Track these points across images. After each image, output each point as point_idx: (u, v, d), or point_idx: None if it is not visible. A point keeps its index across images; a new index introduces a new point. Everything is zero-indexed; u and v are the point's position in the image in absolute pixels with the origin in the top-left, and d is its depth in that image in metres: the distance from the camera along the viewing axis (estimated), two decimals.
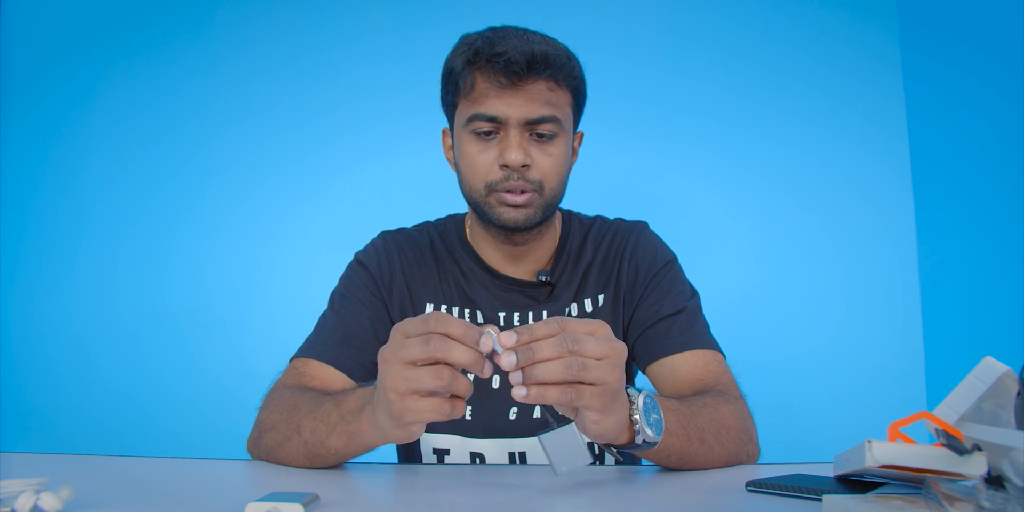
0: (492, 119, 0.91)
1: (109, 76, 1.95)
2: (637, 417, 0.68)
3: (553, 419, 0.65)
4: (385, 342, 1.00)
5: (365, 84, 1.90)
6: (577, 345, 0.60)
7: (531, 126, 0.92)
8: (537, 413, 0.98)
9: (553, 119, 0.92)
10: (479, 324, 0.63)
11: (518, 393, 0.60)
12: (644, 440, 0.68)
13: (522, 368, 0.60)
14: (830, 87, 1.81)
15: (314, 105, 1.91)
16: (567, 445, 0.64)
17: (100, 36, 1.96)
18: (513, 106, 0.90)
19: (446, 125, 1.03)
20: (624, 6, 1.86)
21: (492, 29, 0.94)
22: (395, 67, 1.88)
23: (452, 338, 0.60)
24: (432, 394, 0.61)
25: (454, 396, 0.63)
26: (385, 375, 0.63)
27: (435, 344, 0.59)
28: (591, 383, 0.61)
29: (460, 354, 0.59)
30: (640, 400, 0.68)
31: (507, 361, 0.60)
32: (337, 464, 0.80)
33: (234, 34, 1.94)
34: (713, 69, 1.83)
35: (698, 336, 0.96)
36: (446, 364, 0.60)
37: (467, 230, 1.07)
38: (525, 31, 0.94)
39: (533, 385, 0.60)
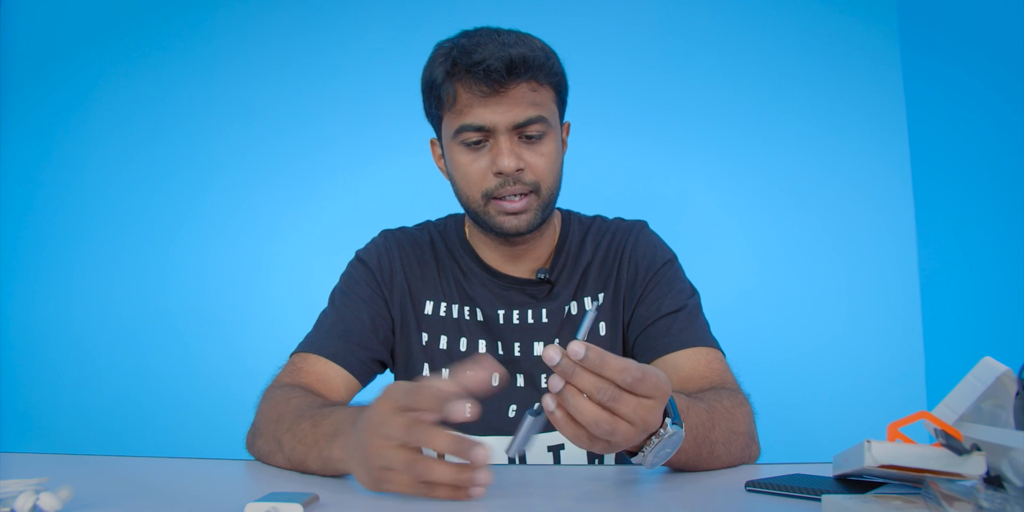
0: (480, 128, 0.91)
1: (109, 76, 1.95)
2: (648, 449, 0.63)
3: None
4: (385, 339, 1.01)
5: (365, 84, 1.90)
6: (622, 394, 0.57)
7: (519, 129, 0.92)
8: None
9: (540, 119, 0.92)
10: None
11: (548, 405, 0.59)
12: (640, 463, 0.65)
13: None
14: (830, 87, 1.81)
15: (314, 105, 1.91)
16: (533, 434, 0.64)
17: (100, 36, 1.96)
18: (498, 113, 0.90)
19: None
20: (624, 6, 1.86)
21: (466, 35, 0.93)
22: (395, 67, 1.88)
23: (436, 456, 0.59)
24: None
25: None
26: (367, 444, 0.61)
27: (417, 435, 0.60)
28: (629, 421, 0.58)
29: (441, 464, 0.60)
30: (667, 437, 0.63)
31: (554, 384, 0.58)
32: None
33: (234, 34, 1.94)
34: (713, 69, 1.83)
35: (699, 334, 0.96)
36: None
37: (466, 230, 1.07)
38: (499, 32, 0.92)
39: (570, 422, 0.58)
